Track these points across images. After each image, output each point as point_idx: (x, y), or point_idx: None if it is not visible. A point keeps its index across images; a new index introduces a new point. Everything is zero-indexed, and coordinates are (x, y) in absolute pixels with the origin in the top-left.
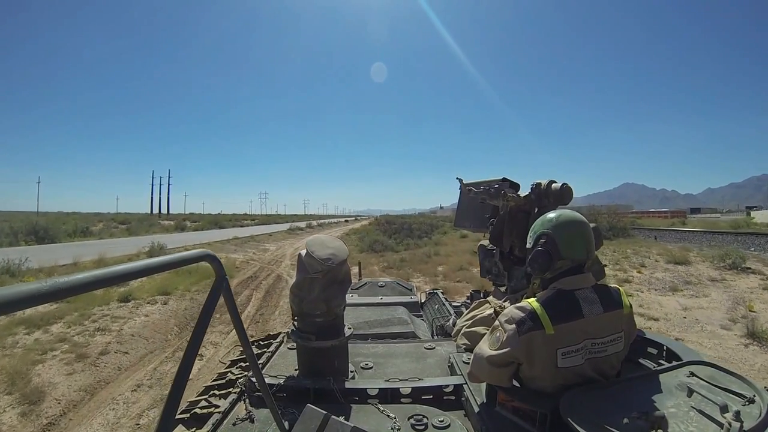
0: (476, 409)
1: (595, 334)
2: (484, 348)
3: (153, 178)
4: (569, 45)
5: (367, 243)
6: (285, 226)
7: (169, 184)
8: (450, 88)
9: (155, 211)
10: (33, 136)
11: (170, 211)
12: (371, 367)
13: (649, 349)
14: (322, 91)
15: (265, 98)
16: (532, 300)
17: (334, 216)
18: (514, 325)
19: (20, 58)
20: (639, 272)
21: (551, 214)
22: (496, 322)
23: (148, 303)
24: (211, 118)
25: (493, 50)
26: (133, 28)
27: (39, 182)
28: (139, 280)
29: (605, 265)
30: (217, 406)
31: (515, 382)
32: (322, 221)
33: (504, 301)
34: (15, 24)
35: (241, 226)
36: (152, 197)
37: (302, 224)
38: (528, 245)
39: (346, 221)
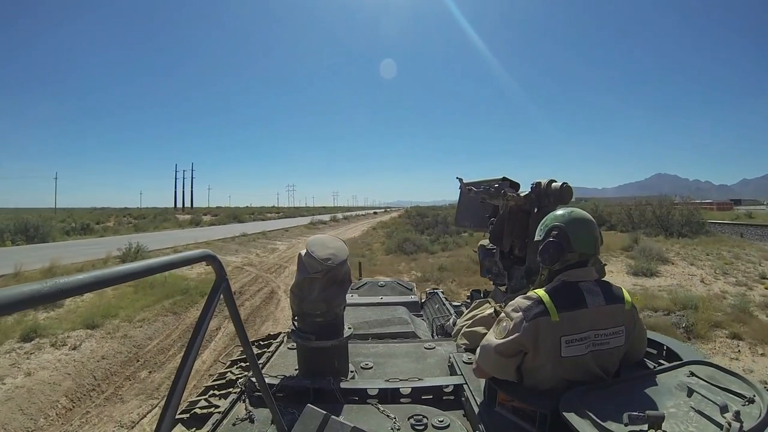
0: (476, 409)
1: (598, 325)
2: (491, 338)
3: (176, 172)
4: (597, 33)
5: (395, 242)
6: (307, 220)
7: (192, 178)
8: (474, 80)
9: (179, 205)
10: (55, 132)
11: (194, 205)
12: (371, 367)
13: (649, 349)
14: (349, 83)
15: (292, 91)
16: (538, 290)
17: (362, 208)
18: (520, 313)
19: (43, 54)
20: None
21: (563, 210)
22: (503, 314)
23: (53, 345)
24: (237, 112)
25: (517, 41)
26: (155, 22)
27: (56, 178)
28: (70, 301)
29: (604, 264)
30: (217, 406)
31: (519, 376)
32: (348, 213)
33: (504, 302)
34: (35, 19)
35: (263, 220)
36: (175, 191)
37: (326, 217)
38: (537, 237)
39: (375, 213)
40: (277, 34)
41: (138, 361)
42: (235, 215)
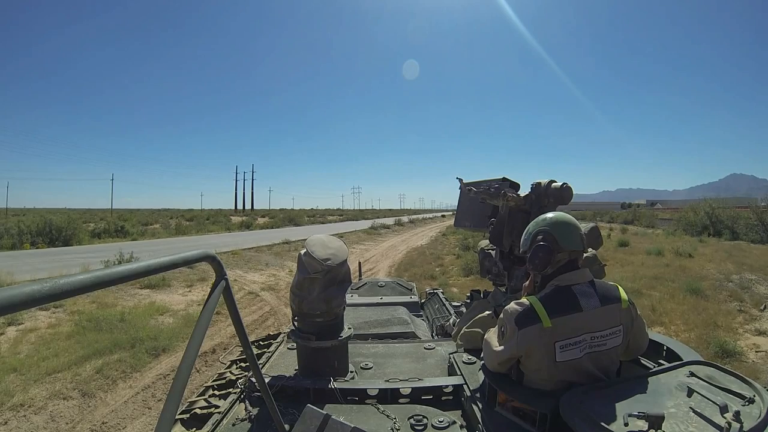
0: (476, 409)
1: (594, 327)
2: (494, 340)
3: (236, 173)
4: (665, 29)
5: (476, 258)
6: (369, 224)
7: (252, 180)
8: (542, 81)
9: (239, 207)
10: (117, 135)
11: (254, 207)
12: (371, 368)
13: (649, 350)
14: (410, 87)
15: (358, 92)
16: (529, 296)
17: (430, 210)
18: (513, 321)
19: (115, 59)
20: None
21: (544, 216)
22: (502, 315)
23: None
24: (302, 115)
25: (580, 42)
26: (210, 29)
27: (113, 179)
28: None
29: (604, 264)
30: (216, 406)
31: (519, 376)
32: (414, 216)
33: (504, 302)
34: (97, 28)
35: (322, 223)
36: (236, 193)
37: (390, 220)
38: (524, 248)
39: (443, 216)
40: (344, 36)
41: None
42: (292, 218)
